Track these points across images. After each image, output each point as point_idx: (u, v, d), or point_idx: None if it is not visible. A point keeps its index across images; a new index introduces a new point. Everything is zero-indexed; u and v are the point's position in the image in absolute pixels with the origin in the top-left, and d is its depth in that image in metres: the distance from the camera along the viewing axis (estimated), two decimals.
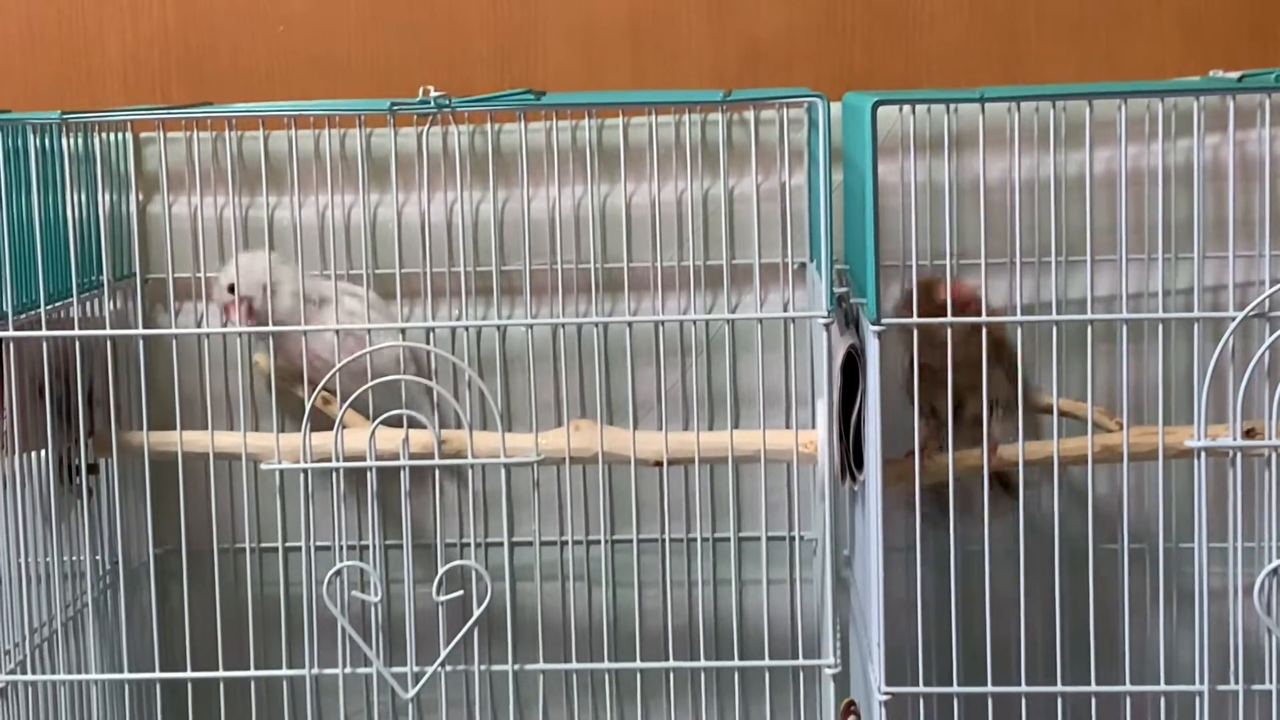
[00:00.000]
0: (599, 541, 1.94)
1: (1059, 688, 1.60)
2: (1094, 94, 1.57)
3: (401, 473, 1.70)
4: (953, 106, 1.59)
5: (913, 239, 1.60)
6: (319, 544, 1.94)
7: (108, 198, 1.93)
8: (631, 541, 1.95)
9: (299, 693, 1.76)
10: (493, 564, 1.84)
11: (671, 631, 1.88)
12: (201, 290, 1.94)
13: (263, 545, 1.91)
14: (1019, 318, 1.61)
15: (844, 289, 1.75)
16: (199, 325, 2.05)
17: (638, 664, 1.71)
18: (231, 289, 1.90)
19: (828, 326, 1.66)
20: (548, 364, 1.97)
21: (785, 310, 2.01)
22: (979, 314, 1.66)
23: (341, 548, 1.71)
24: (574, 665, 1.72)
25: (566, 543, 1.84)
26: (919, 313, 1.62)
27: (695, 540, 1.87)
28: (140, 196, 2.04)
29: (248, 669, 1.74)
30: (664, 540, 1.88)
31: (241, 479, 1.94)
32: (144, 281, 2.00)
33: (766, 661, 1.73)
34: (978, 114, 1.56)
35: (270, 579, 1.94)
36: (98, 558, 1.85)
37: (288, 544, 1.90)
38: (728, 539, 1.96)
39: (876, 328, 1.58)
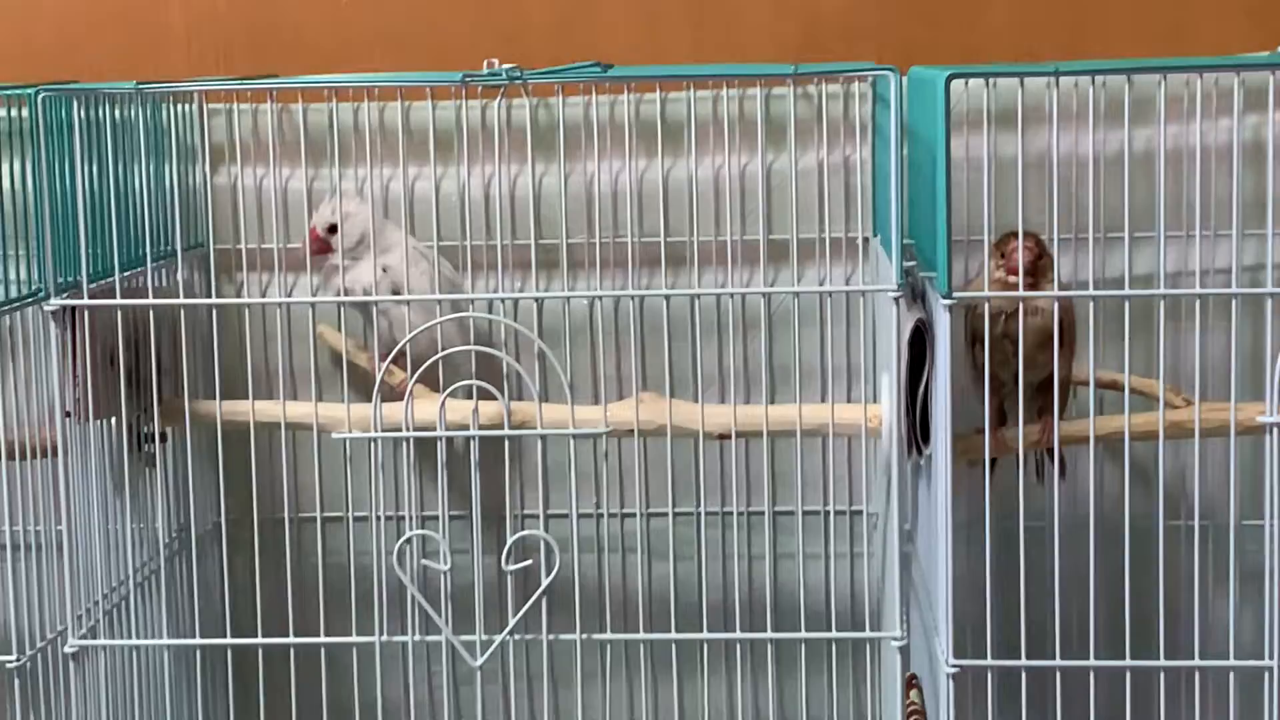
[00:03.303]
0: (662, 514, 1.94)
1: (1127, 662, 1.60)
2: (1168, 68, 1.57)
3: (471, 442, 1.71)
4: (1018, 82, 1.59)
5: (985, 213, 1.60)
6: (382, 513, 1.96)
7: (176, 169, 1.94)
8: (693, 515, 1.97)
9: (365, 660, 1.77)
10: (554, 536, 1.84)
11: (727, 605, 1.90)
12: (277, 260, 1.95)
13: (327, 514, 1.92)
14: (1091, 292, 1.61)
15: (910, 263, 1.76)
16: (264, 295, 2.07)
17: (704, 635, 1.72)
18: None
19: (897, 300, 1.66)
20: (610, 338, 1.98)
21: (847, 285, 2.01)
22: (1049, 269, 1.67)
23: (408, 517, 1.72)
24: (641, 635, 1.73)
25: (633, 515, 1.85)
26: (988, 273, 1.62)
27: (762, 514, 1.87)
28: (206, 168, 2.05)
29: (313, 637, 1.76)
30: (732, 513, 1.88)
31: (309, 448, 1.95)
32: (210, 252, 2.01)
33: (833, 633, 1.74)
34: (1037, 89, 1.56)
35: (334, 548, 1.96)
36: (163, 525, 1.87)
37: (355, 513, 1.91)
38: (791, 512, 1.96)
39: (947, 301, 1.58)
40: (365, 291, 1.89)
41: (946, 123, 1.55)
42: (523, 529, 1.73)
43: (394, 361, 2.00)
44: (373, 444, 1.72)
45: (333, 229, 1.92)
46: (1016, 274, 1.65)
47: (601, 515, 1.81)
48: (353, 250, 1.92)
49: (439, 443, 1.71)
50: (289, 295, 2.03)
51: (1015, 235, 1.68)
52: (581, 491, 1.92)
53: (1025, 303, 1.62)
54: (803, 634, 1.72)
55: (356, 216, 1.91)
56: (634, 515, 1.93)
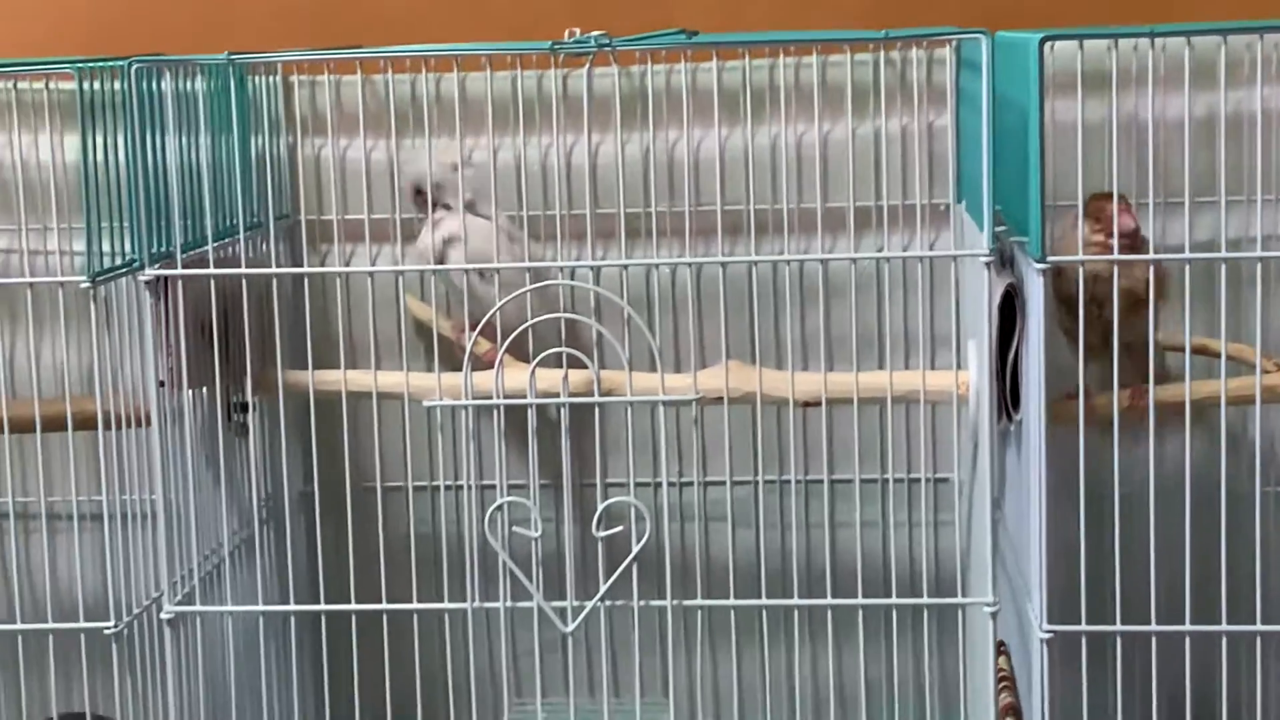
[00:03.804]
0: (744, 482, 1.94)
1: (1223, 627, 1.60)
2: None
3: (561, 410, 1.71)
4: (1110, 43, 1.58)
5: (1078, 178, 1.59)
6: (464, 481, 1.97)
7: (267, 140, 1.96)
8: (775, 482, 1.97)
9: (455, 627, 1.79)
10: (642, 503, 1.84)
11: (812, 571, 1.90)
12: (366, 232, 1.96)
13: (416, 484, 1.93)
14: (1186, 255, 1.60)
15: (999, 228, 1.75)
16: (349, 265, 2.08)
17: (794, 600, 1.72)
18: (418, 190, 1.92)
19: (989, 265, 1.65)
20: (692, 305, 1.98)
21: (931, 250, 2.00)
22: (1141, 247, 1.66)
23: (498, 485, 1.73)
24: (730, 602, 1.73)
25: (722, 483, 1.85)
26: (1083, 236, 1.61)
27: (851, 481, 1.87)
28: (291, 139, 2.06)
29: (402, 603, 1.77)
30: (822, 481, 1.88)
31: (392, 418, 1.96)
32: (296, 223, 2.02)
33: (925, 599, 1.73)
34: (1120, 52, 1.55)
35: (420, 516, 1.97)
36: (254, 494, 1.88)
37: (446, 482, 1.93)
38: (874, 480, 1.96)
39: (1041, 265, 1.58)
40: (441, 259, 1.91)
41: (1040, 86, 1.54)
42: (606, 497, 1.73)
43: (473, 329, 2.02)
44: (464, 412, 1.72)
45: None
46: (1116, 237, 1.64)
47: (691, 483, 1.82)
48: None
49: (529, 410, 1.72)
50: (373, 264, 2.04)
51: (1109, 199, 1.67)
52: (668, 459, 1.93)
53: (1119, 266, 1.61)
54: (894, 600, 1.73)
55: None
56: (720, 483, 1.93)
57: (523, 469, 1.79)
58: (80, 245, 1.85)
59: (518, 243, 1.98)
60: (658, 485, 1.76)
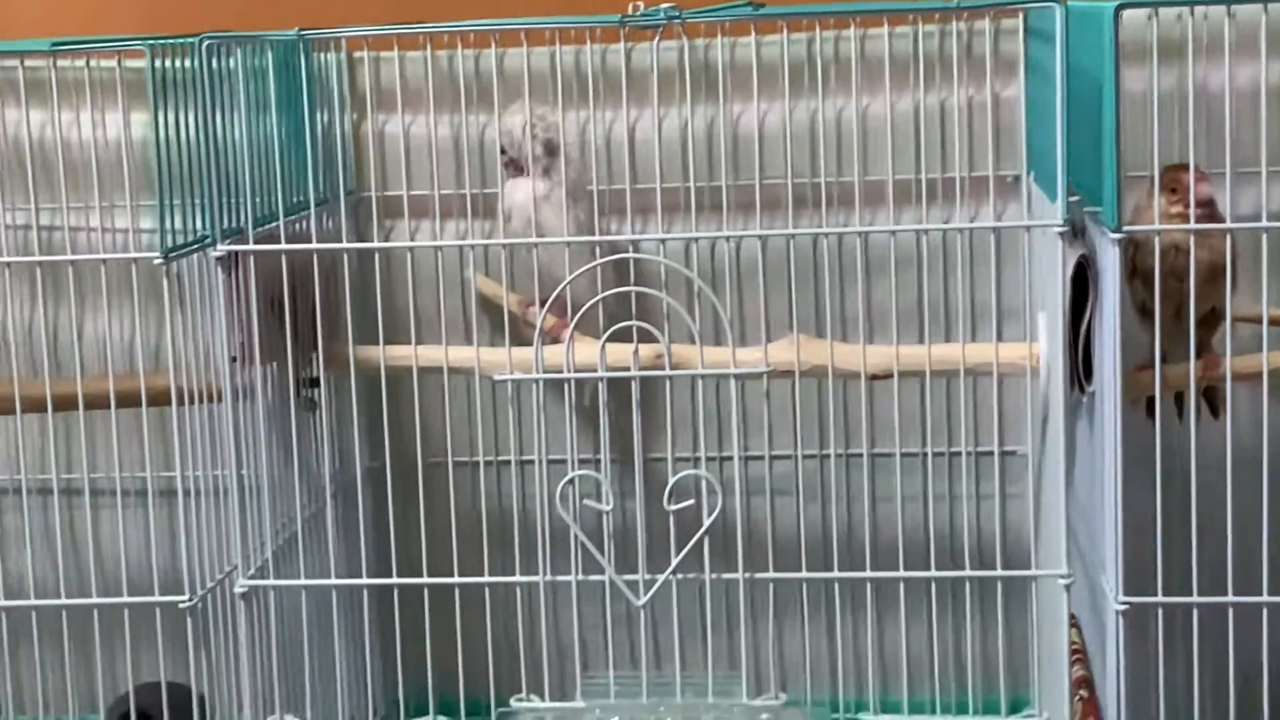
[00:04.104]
0: (814, 456, 1.94)
1: None
2: None
3: (633, 384, 1.71)
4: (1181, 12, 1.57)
5: (1154, 148, 1.58)
6: (536, 455, 1.98)
7: (327, 116, 1.96)
8: (843, 456, 1.97)
9: (531, 600, 1.79)
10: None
11: (877, 544, 1.90)
12: (435, 208, 1.97)
13: (488, 459, 1.93)
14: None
15: (1071, 199, 1.74)
16: (413, 241, 2.08)
17: (866, 574, 1.72)
18: (504, 150, 1.94)
19: (1062, 235, 1.65)
20: (756, 279, 1.98)
21: (999, 221, 1.99)
22: (1217, 217, 1.65)
23: (569, 458, 1.73)
24: (804, 575, 1.73)
25: (791, 457, 1.86)
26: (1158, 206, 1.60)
27: (917, 455, 1.87)
28: (355, 115, 2.06)
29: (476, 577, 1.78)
30: (898, 454, 1.87)
31: (462, 392, 1.97)
32: (360, 199, 2.03)
33: (998, 572, 1.73)
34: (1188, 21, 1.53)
35: (488, 490, 1.98)
36: (325, 468, 1.89)
37: (517, 456, 1.92)
38: (943, 454, 1.96)
39: (1116, 236, 1.57)
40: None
41: (1116, 55, 1.53)
42: (674, 471, 1.73)
43: (541, 305, 2.02)
44: (536, 386, 1.73)
45: (503, 150, 1.94)
46: (1193, 208, 1.63)
47: (761, 456, 1.82)
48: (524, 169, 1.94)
49: (600, 384, 1.72)
50: (439, 239, 2.05)
51: (1183, 169, 1.66)
52: (728, 433, 1.93)
53: (1196, 236, 1.60)
54: (966, 572, 1.72)
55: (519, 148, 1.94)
56: (797, 458, 1.93)
57: (584, 443, 1.80)
58: (145, 223, 1.86)
59: (586, 214, 1.98)
60: (724, 459, 1.76)
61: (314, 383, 1.92)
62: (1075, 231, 1.73)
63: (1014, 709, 1.98)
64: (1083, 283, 1.69)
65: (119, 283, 1.76)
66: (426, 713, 1.80)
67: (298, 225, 1.84)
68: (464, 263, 2.05)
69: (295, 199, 1.84)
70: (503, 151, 1.96)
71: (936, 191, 1.98)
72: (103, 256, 1.73)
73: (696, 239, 1.76)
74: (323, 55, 1.98)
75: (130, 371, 1.83)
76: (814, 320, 1.98)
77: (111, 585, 1.79)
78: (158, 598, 1.73)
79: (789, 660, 2.03)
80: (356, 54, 2.06)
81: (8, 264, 1.74)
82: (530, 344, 1.78)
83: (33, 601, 1.76)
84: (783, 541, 1.78)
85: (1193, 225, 1.61)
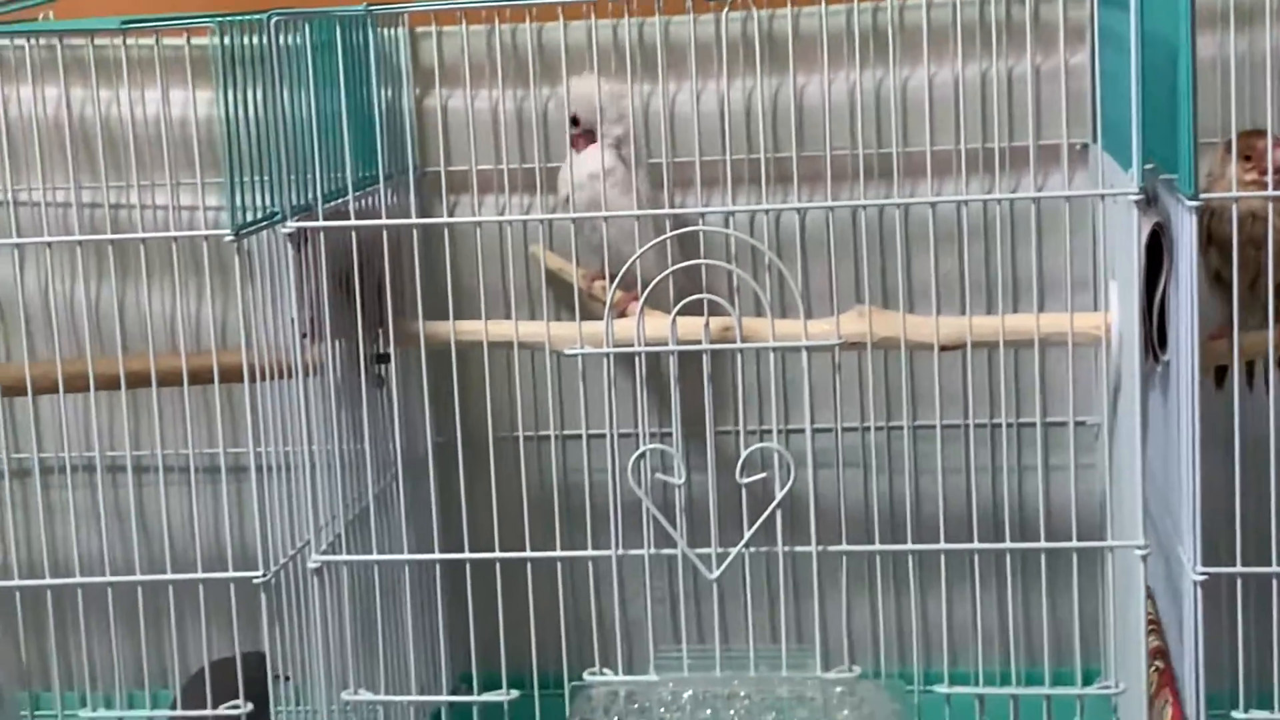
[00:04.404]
0: (884, 428, 1.94)
1: None
2: None
3: (704, 357, 1.71)
4: None
5: (1232, 115, 1.57)
6: (607, 430, 1.98)
7: (390, 91, 1.96)
8: (907, 428, 1.96)
9: (598, 574, 1.79)
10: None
11: (949, 515, 1.89)
12: (504, 182, 1.96)
13: (559, 432, 1.94)
14: None
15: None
16: (478, 216, 2.08)
17: (940, 545, 1.71)
18: (576, 121, 1.93)
19: (1138, 204, 1.63)
20: (820, 251, 1.97)
21: (1068, 190, 1.98)
22: None
23: (641, 432, 1.73)
24: (877, 548, 1.73)
25: (858, 429, 1.85)
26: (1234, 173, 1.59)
27: (990, 426, 1.86)
28: (419, 90, 2.06)
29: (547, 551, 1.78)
30: (967, 425, 1.87)
31: (528, 367, 1.97)
32: (423, 174, 2.03)
33: (1074, 544, 1.72)
34: None
35: (549, 465, 1.98)
36: (397, 443, 1.89)
37: (578, 430, 1.92)
38: (1012, 425, 1.95)
39: (1192, 203, 1.55)
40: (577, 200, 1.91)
41: (1192, 19, 1.51)
42: (744, 444, 1.73)
43: (610, 279, 2.01)
44: (606, 360, 1.72)
45: (575, 120, 1.94)
46: (1270, 174, 1.61)
47: (830, 429, 1.81)
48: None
49: (671, 358, 1.71)
50: (502, 214, 2.06)
51: (1259, 135, 1.64)
52: (794, 405, 1.92)
53: (1275, 204, 1.59)
54: (1042, 544, 1.71)
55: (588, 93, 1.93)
56: (869, 429, 1.93)
57: (648, 418, 1.79)
58: (211, 200, 1.87)
59: (650, 187, 1.98)
60: (790, 431, 1.75)
61: (382, 358, 1.92)
62: (1148, 200, 1.71)
63: (1086, 680, 1.97)
64: (1155, 251, 1.67)
65: (180, 260, 1.76)
66: (498, 687, 1.80)
67: (365, 201, 1.85)
68: (528, 238, 2.05)
69: (362, 174, 1.84)
70: (574, 122, 1.95)
71: (998, 161, 1.96)
72: (174, 234, 1.73)
73: (767, 211, 1.75)
74: (387, 30, 1.98)
75: (198, 349, 1.83)
76: (879, 292, 1.98)
77: (181, 562, 1.80)
78: (232, 573, 1.73)
79: (859, 633, 2.03)
80: (420, 29, 2.06)
81: (79, 242, 1.75)
82: (595, 318, 1.78)
83: (108, 578, 1.77)
84: (853, 514, 1.77)
85: (1271, 192, 1.59)
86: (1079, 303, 1.96)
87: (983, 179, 1.99)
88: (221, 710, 1.74)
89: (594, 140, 1.94)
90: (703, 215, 1.79)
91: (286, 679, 1.78)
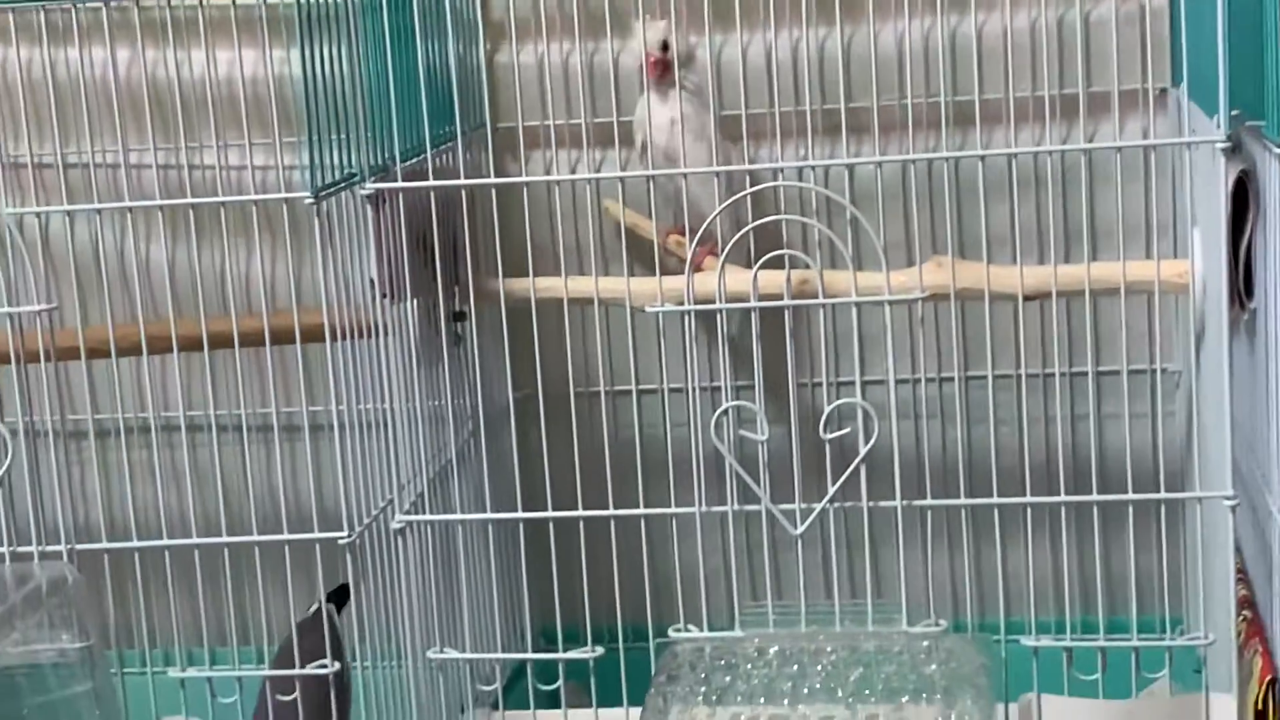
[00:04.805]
0: (960, 379, 1.93)
1: None
2: None
3: (786, 312, 1.70)
4: None
5: None
6: (675, 386, 1.97)
7: (462, 48, 1.95)
8: (993, 378, 1.95)
9: (678, 530, 1.79)
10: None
11: (1025, 466, 1.88)
12: (585, 136, 1.97)
13: (641, 388, 1.93)
14: None
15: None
16: (547, 173, 2.08)
17: (1026, 499, 1.71)
18: (666, 46, 1.93)
19: (1225, 150, 1.61)
20: (892, 201, 1.96)
21: (1146, 138, 1.96)
22: None
23: (724, 387, 1.73)
24: (963, 501, 1.72)
25: (937, 379, 1.84)
26: None
27: (1070, 375, 1.85)
28: (489, 45, 2.05)
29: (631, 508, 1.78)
30: (1057, 374, 1.85)
31: (603, 322, 1.96)
32: (494, 130, 2.02)
33: (1161, 494, 1.71)
34: None
35: (626, 421, 1.98)
36: (477, 401, 1.90)
37: (650, 385, 1.92)
38: (1087, 373, 1.93)
39: None
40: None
41: None
42: (826, 398, 1.72)
43: (682, 233, 2.01)
44: (687, 317, 1.72)
45: (665, 46, 1.93)
46: None
47: (918, 379, 1.80)
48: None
49: (753, 314, 1.71)
50: (574, 171, 2.05)
51: None
52: (871, 359, 1.91)
53: None
54: (1130, 495, 1.70)
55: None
56: (937, 380, 1.92)
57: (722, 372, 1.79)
58: (287, 159, 1.86)
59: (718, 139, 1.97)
60: (868, 383, 1.73)
61: (459, 316, 1.92)
62: (1233, 146, 1.69)
63: (1170, 630, 1.98)
64: (1239, 198, 1.65)
65: (256, 221, 1.76)
66: (579, 642, 1.81)
67: (440, 159, 1.84)
68: (601, 193, 2.05)
69: (438, 131, 1.84)
70: (664, 47, 1.93)
71: (1080, 107, 1.94)
72: (254, 198, 1.73)
73: (850, 165, 1.74)
74: None
75: (273, 310, 1.83)
76: (954, 243, 1.96)
77: (265, 523, 1.80)
78: (317, 534, 1.74)
79: (955, 585, 2.03)
80: None
81: (160, 207, 1.75)
82: (669, 272, 1.77)
83: (195, 540, 1.78)
84: (934, 467, 1.77)
85: None
86: (1157, 250, 1.95)
87: (1060, 125, 1.97)
88: (309, 669, 1.76)
89: (671, 73, 1.93)
90: (780, 170, 1.78)
91: None
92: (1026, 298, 1.79)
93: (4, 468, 1.72)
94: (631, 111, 2.02)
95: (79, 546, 1.77)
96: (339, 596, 1.83)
